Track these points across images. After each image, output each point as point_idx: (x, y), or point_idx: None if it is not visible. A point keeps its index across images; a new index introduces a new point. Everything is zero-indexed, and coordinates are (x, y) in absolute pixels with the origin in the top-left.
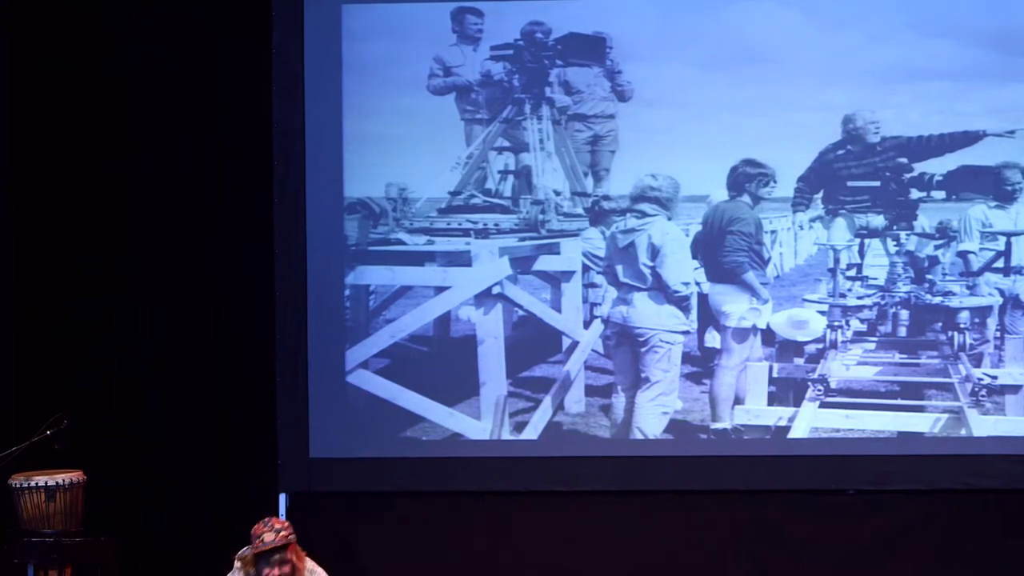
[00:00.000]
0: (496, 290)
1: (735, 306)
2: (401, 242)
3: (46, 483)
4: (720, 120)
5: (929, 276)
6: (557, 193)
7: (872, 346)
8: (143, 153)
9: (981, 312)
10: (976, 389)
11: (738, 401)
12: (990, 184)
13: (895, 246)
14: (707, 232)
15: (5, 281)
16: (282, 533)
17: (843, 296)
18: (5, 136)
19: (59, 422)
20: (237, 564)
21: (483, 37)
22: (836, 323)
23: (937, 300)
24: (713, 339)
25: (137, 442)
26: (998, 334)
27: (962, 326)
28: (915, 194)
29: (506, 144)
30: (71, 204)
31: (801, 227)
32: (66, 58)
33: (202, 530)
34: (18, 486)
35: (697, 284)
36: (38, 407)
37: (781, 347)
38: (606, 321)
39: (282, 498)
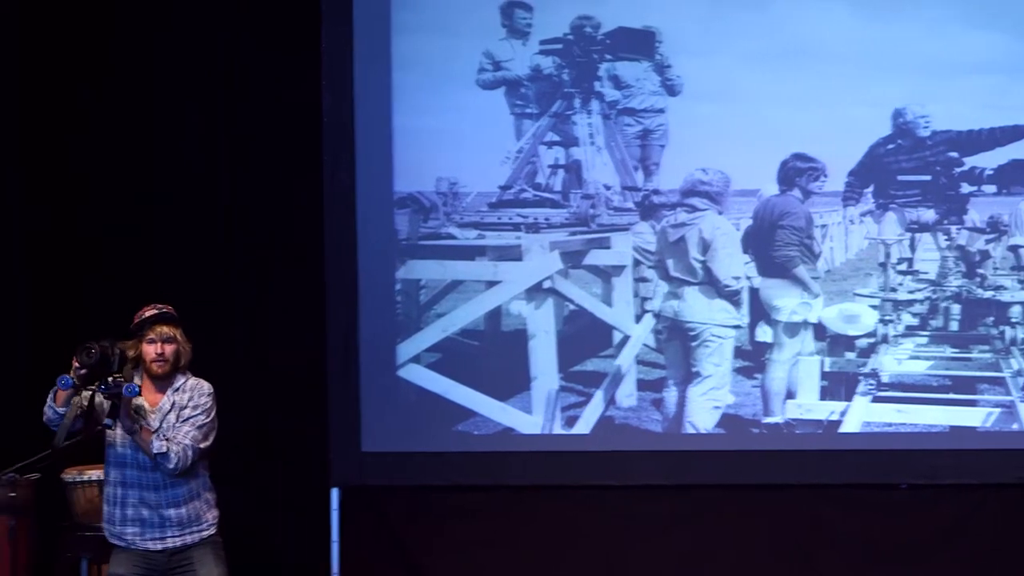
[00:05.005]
0: (547, 284)
1: (786, 300)
2: (451, 236)
3: (99, 477)
4: (770, 114)
5: (980, 270)
6: (607, 187)
7: (924, 340)
8: (195, 148)
9: None
10: None
11: (790, 395)
12: None
13: (946, 240)
14: (758, 226)
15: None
16: (167, 309)
17: (894, 290)
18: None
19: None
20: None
21: (532, 31)
22: (887, 317)
23: (988, 294)
24: (764, 333)
25: None
26: None
27: (1013, 320)
28: (966, 188)
29: (556, 139)
30: (118, 207)
31: (852, 221)
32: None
33: (254, 525)
34: (71, 480)
35: (748, 278)
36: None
37: (832, 341)
38: (657, 315)
39: (334, 492)
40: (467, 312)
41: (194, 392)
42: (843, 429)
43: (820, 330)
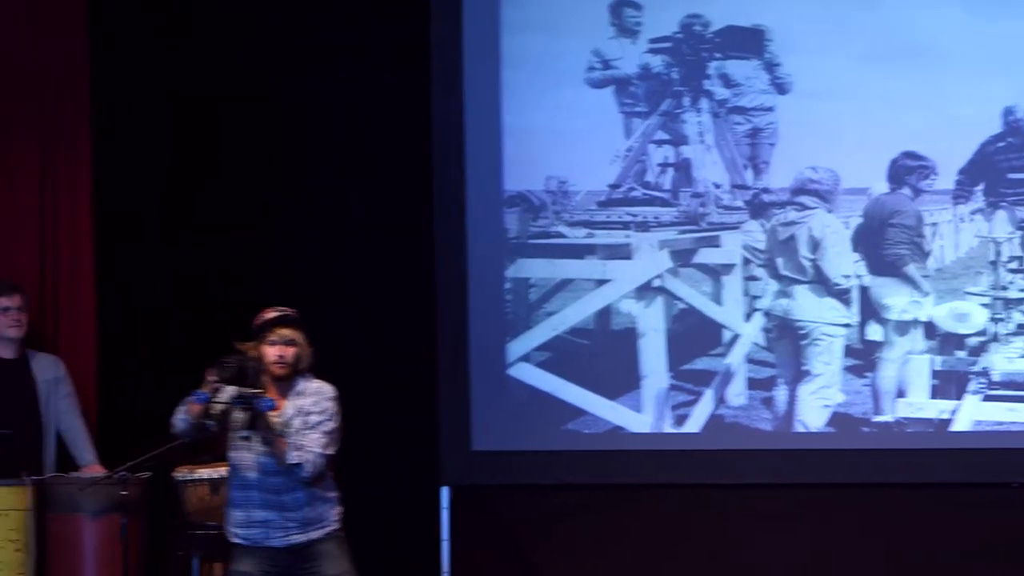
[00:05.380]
0: (656, 283)
1: (896, 299)
2: (561, 235)
3: (210, 476)
4: (879, 113)
5: None
6: (717, 186)
7: None
8: (303, 146)
9: None
10: None
11: (900, 394)
12: None
13: None
14: (867, 225)
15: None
16: (290, 311)
17: (1005, 289)
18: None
19: None
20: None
21: (641, 30)
22: (998, 316)
23: None
24: (875, 332)
25: None
26: None
27: None
28: None
29: (665, 137)
30: (233, 210)
31: (962, 220)
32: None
33: (364, 526)
34: (182, 478)
35: (858, 277)
36: None
37: (943, 340)
38: (767, 314)
39: (444, 491)
40: (577, 311)
41: (319, 396)
42: (954, 428)
43: (930, 328)
